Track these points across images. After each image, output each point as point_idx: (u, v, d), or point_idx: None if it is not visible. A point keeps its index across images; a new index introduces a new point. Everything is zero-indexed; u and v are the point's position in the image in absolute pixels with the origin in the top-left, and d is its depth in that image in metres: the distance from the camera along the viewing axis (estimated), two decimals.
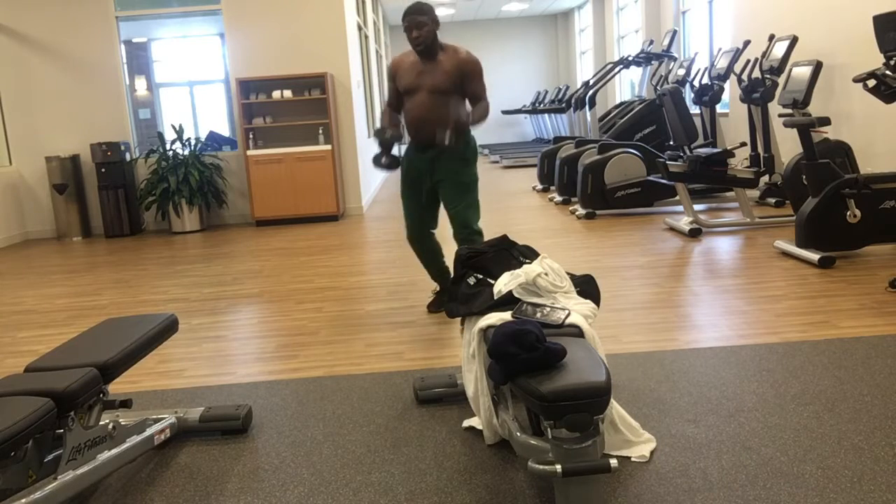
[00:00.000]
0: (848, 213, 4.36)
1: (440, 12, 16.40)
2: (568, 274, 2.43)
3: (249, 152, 7.54)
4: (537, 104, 15.33)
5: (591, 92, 9.29)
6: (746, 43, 7.07)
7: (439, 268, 3.84)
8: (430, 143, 3.55)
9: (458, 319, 3.33)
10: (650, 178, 6.62)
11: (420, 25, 3.39)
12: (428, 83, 3.47)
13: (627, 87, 13.86)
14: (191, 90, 9.62)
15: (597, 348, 2.15)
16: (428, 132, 3.51)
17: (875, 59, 5.65)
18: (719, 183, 5.53)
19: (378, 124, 3.68)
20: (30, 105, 7.82)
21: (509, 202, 8.21)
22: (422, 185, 3.67)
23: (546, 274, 2.34)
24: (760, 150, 6.60)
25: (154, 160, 7.73)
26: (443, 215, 3.75)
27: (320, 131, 7.78)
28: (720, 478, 2.04)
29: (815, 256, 4.34)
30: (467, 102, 3.59)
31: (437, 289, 3.94)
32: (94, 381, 2.02)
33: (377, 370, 3.08)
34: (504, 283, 2.36)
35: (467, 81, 3.48)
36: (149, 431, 2.32)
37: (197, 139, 7.75)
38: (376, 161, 3.57)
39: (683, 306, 3.72)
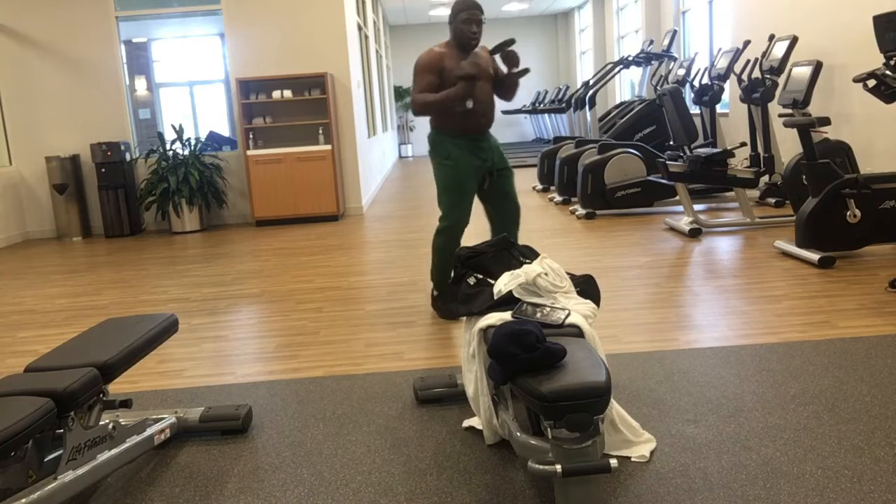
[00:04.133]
0: (848, 213, 4.36)
1: (440, 12, 16.40)
2: (568, 274, 2.43)
3: (249, 152, 7.54)
4: (537, 104, 15.33)
5: (591, 92, 9.29)
6: (746, 43, 7.07)
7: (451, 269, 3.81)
8: (486, 126, 3.70)
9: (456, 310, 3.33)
10: (650, 178, 6.62)
11: (479, 22, 3.55)
12: (481, 72, 3.60)
13: (627, 87, 13.86)
14: (191, 90, 9.62)
15: (597, 348, 2.15)
16: (489, 118, 3.70)
17: (875, 59, 5.65)
18: (719, 183, 5.52)
19: (437, 108, 3.60)
20: (30, 105, 7.82)
21: None
22: (473, 175, 3.69)
23: (546, 274, 2.34)
24: (760, 150, 6.61)
25: (154, 160, 7.73)
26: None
27: (320, 131, 7.78)
28: (720, 478, 2.04)
29: (815, 256, 4.34)
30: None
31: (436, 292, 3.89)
32: (94, 381, 2.02)
33: (377, 370, 3.08)
34: (504, 283, 2.36)
35: (497, 68, 3.77)
36: (149, 431, 2.32)
37: (197, 139, 7.75)
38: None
39: (683, 306, 3.72)
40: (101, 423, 2.13)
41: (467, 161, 3.65)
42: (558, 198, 7.83)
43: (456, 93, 3.46)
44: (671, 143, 6.98)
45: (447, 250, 3.72)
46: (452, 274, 3.06)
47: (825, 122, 4.96)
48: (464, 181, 3.65)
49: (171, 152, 7.64)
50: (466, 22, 3.50)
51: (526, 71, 3.65)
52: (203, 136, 7.97)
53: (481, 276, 2.55)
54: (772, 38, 6.69)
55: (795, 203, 5.54)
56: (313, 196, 7.62)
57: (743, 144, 5.85)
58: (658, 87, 8.97)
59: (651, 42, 10.00)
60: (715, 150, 5.47)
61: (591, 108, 9.25)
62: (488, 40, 18.52)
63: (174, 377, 3.19)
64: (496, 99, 3.92)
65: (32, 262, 6.42)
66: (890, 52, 4.21)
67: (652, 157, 6.75)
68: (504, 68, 3.71)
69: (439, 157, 3.68)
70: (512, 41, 3.59)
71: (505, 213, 3.80)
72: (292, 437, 2.49)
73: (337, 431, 2.50)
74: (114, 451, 2.14)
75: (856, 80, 4.30)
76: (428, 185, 10.73)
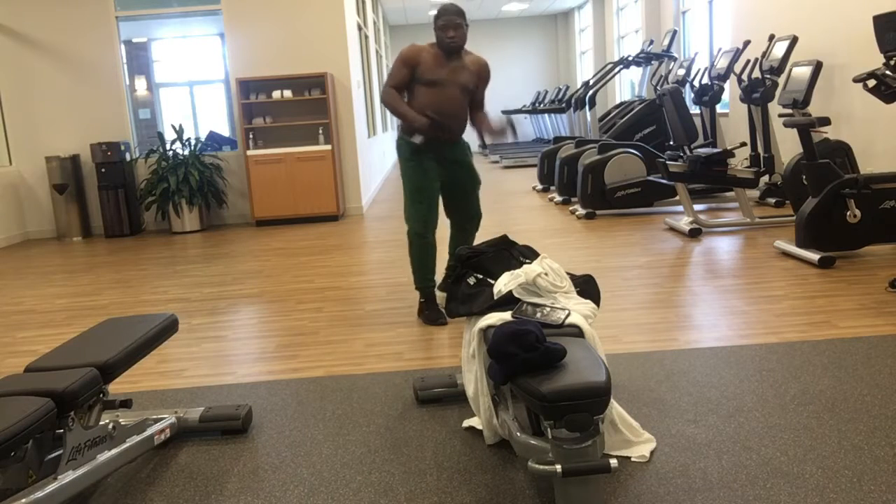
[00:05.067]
0: (848, 213, 4.36)
1: None
2: (568, 274, 2.43)
3: (249, 152, 7.54)
4: (537, 104, 15.33)
5: (591, 92, 9.29)
6: (746, 43, 7.07)
7: (433, 267, 3.80)
8: (452, 137, 3.68)
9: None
10: (650, 178, 6.62)
11: (457, 27, 3.52)
12: (459, 80, 3.60)
13: (627, 87, 13.86)
14: (191, 90, 9.62)
15: (597, 348, 2.15)
16: (454, 127, 3.65)
17: (875, 59, 5.65)
18: (719, 183, 5.52)
19: (395, 113, 3.65)
20: (30, 105, 7.82)
21: (509, 202, 8.21)
22: (435, 176, 3.70)
23: (546, 274, 2.34)
24: (760, 150, 6.61)
25: (154, 160, 7.73)
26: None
27: (320, 131, 7.78)
28: (720, 478, 2.04)
29: (815, 256, 4.34)
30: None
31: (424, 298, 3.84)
32: (94, 381, 2.02)
33: (377, 370, 3.08)
34: (504, 283, 2.36)
35: (481, 85, 3.74)
36: (149, 431, 2.32)
37: (197, 139, 7.75)
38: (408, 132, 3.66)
39: (683, 306, 3.72)
40: (101, 423, 2.13)
41: (429, 163, 3.66)
42: (558, 198, 7.83)
43: (415, 121, 3.52)
44: (671, 143, 6.98)
45: (422, 253, 3.72)
46: (438, 275, 3.07)
47: (825, 122, 4.96)
48: (427, 181, 3.66)
49: (171, 152, 7.64)
50: (443, 28, 3.51)
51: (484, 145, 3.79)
52: (203, 136, 7.97)
53: (481, 276, 2.55)
54: (772, 38, 6.69)
55: (795, 203, 5.54)
56: (313, 196, 7.62)
57: (743, 144, 5.85)
58: (658, 87, 8.97)
59: (651, 42, 10.00)
60: (715, 150, 5.47)
61: (591, 108, 9.25)
62: (488, 40, 18.54)
63: (174, 377, 3.19)
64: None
65: (32, 262, 6.42)
66: (890, 52, 4.21)
67: (652, 157, 6.75)
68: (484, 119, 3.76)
69: (403, 155, 3.71)
70: (512, 127, 3.67)
71: (460, 222, 3.85)
72: (292, 437, 2.49)
73: (337, 431, 2.50)
74: (114, 451, 2.14)
75: (856, 80, 4.30)
76: None
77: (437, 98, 3.58)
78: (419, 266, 3.74)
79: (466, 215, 3.84)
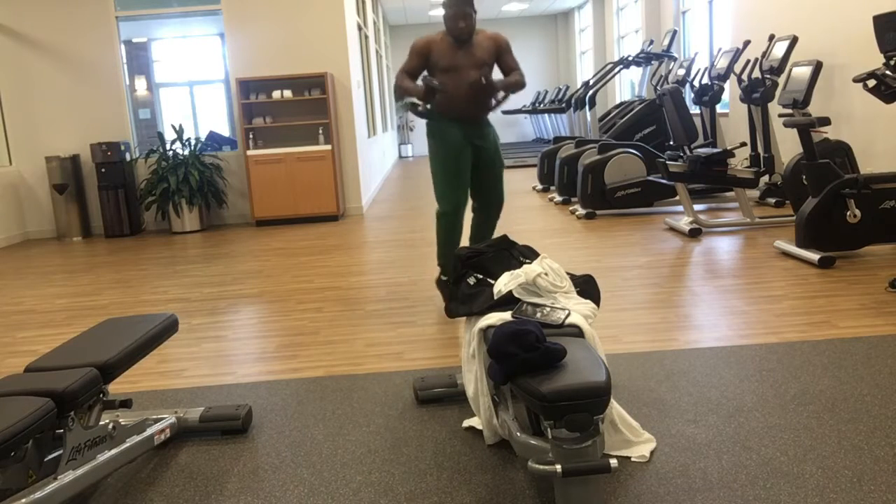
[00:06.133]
0: (848, 213, 4.36)
1: (440, 11, 16.40)
2: (568, 274, 2.43)
3: (249, 152, 7.54)
4: (537, 104, 15.33)
5: (591, 92, 9.29)
6: (746, 43, 7.07)
7: (458, 245, 3.87)
8: (475, 117, 3.75)
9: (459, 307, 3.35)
10: (650, 178, 6.62)
11: (466, 16, 3.59)
12: (472, 61, 3.67)
13: (627, 87, 13.86)
14: (191, 90, 9.62)
15: (597, 348, 2.15)
16: (475, 106, 3.73)
17: (875, 59, 5.65)
18: (719, 183, 5.52)
19: (400, 94, 3.82)
20: (30, 105, 7.82)
21: (509, 202, 8.21)
22: (467, 158, 3.75)
23: (546, 274, 2.34)
24: (760, 150, 6.61)
25: (154, 160, 7.73)
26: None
27: (320, 131, 7.78)
28: (720, 478, 2.04)
29: (815, 256, 4.34)
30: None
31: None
32: (94, 381, 2.02)
33: (377, 370, 3.08)
34: (504, 283, 2.36)
35: (503, 55, 3.76)
36: (149, 431, 2.32)
37: (197, 139, 7.75)
38: (414, 108, 3.77)
39: (683, 306, 3.72)
40: (101, 423, 2.13)
41: (454, 140, 3.72)
42: (558, 198, 7.83)
43: (412, 90, 3.62)
44: (671, 143, 6.98)
45: (448, 234, 3.79)
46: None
47: (825, 122, 4.96)
48: (456, 162, 3.72)
49: (171, 152, 7.64)
50: (452, 18, 3.60)
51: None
52: (203, 136, 7.97)
53: (481, 276, 2.55)
54: (772, 38, 6.69)
55: (795, 203, 5.54)
56: (313, 196, 7.62)
57: (743, 144, 5.85)
58: (658, 87, 8.97)
59: (651, 42, 10.00)
60: (715, 150, 5.47)
61: (591, 108, 9.25)
62: None
63: (174, 377, 3.19)
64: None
65: (32, 262, 6.42)
66: (890, 52, 4.21)
67: (652, 157, 6.75)
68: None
69: (428, 134, 3.80)
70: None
71: (484, 204, 3.92)
72: (292, 437, 2.49)
73: (337, 431, 2.50)
74: (114, 451, 2.14)
75: (856, 80, 4.30)
76: (427, 185, 10.73)
77: (456, 81, 3.66)
78: (445, 243, 3.84)
79: (491, 198, 3.91)
